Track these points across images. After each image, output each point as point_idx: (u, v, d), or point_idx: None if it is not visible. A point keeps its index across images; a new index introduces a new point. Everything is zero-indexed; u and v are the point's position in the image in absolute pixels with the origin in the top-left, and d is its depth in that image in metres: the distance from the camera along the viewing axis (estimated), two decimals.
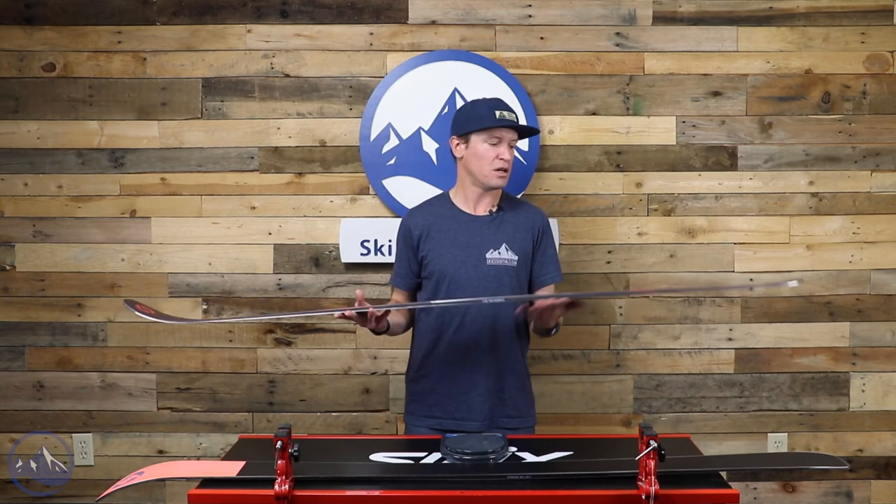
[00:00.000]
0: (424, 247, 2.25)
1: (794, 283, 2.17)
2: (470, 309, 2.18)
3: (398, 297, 2.31)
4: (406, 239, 2.28)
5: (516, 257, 2.22)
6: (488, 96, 2.31)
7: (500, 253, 2.21)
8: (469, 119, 2.20)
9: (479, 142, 2.18)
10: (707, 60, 2.78)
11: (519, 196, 2.67)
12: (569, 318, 2.36)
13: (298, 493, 1.59)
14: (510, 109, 2.21)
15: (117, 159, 2.79)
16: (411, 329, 2.33)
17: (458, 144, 2.23)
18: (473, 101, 2.28)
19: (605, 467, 1.74)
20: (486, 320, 2.19)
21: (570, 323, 2.77)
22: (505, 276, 2.20)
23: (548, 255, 2.29)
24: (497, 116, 2.17)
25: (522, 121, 2.69)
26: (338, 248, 2.78)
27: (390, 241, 2.71)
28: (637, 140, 2.79)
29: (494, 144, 2.18)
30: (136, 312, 2.04)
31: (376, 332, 2.13)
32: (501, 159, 2.17)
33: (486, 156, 2.18)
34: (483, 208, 2.26)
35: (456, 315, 2.18)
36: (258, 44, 2.77)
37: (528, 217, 2.29)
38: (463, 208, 2.27)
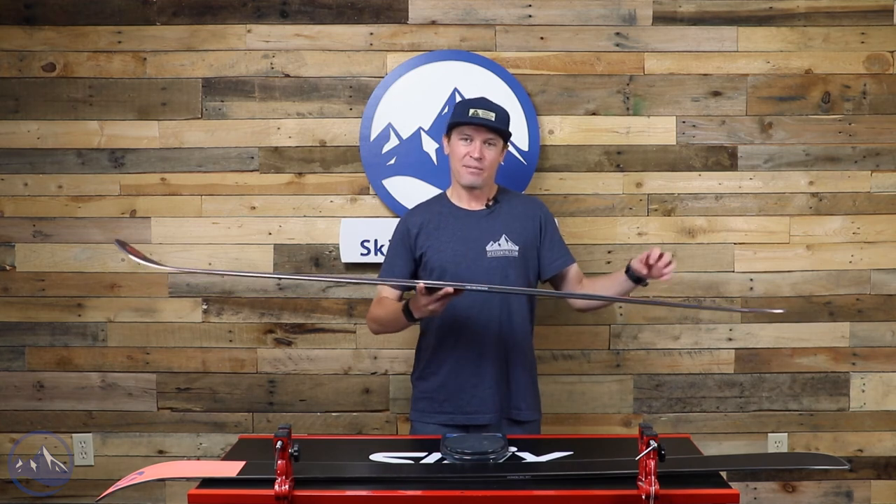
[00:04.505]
0: (423, 244, 2.25)
1: (779, 311, 2.31)
2: (477, 303, 2.18)
3: (388, 295, 2.29)
4: (403, 238, 2.29)
5: (517, 247, 2.23)
6: (485, 95, 2.34)
7: (500, 244, 2.22)
8: (451, 116, 2.27)
9: (455, 139, 2.23)
10: (707, 60, 2.78)
11: None
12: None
13: (298, 493, 1.59)
14: (493, 109, 2.21)
15: (117, 159, 2.79)
16: (418, 327, 2.32)
17: (446, 143, 2.29)
18: (461, 100, 2.32)
19: (605, 467, 1.74)
20: (494, 313, 2.21)
21: (571, 323, 2.78)
22: (508, 268, 2.21)
23: (556, 240, 2.31)
24: (470, 114, 2.19)
25: (521, 122, 2.70)
26: (338, 248, 2.78)
27: (390, 240, 2.70)
28: (637, 140, 2.79)
29: (466, 141, 2.20)
30: (129, 255, 1.98)
31: (425, 315, 2.04)
32: (470, 156, 2.19)
33: (458, 152, 2.22)
34: (479, 203, 2.27)
35: (463, 309, 2.18)
36: (258, 44, 2.77)
37: (526, 207, 2.31)
38: (459, 204, 2.28)
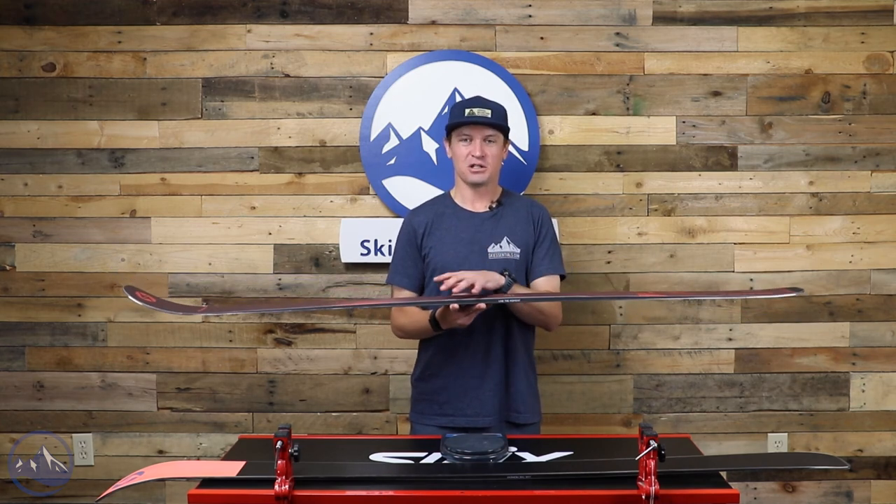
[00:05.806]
0: (427, 244, 2.26)
1: (792, 293, 2.22)
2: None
3: (401, 295, 2.30)
4: (411, 239, 2.29)
5: (518, 250, 2.23)
6: (484, 95, 2.35)
7: (501, 246, 2.22)
8: (449, 119, 2.29)
9: (455, 141, 2.25)
10: (707, 60, 2.78)
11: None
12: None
13: (298, 493, 1.59)
14: (488, 106, 2.22)
15: (117, 159, 2.79)
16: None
17: (447, 146, 2.30)
18: (456, 103, 2.33)
19: (605, 467, 1.74)
20: (496, 315, 2.20)
21: (571, 323, 2.77)
22: (509, 270, 2.20)
23: (545, 247, 2.29)
24: (466, 114, 2.21)
25: (521, 122, 2.70)
26: (338, 248, 2.77)
27: (390, 241, 2.70)
28: (637, 140, 2.79)
29: (466, 142, 2.22)
30: (133, 299, 1.87)
31: (454, 327, 2.07)
32: (473, 156, 2.20)
33: (460, 154, 2.24)
34: (483, 205, 2.28)
35: None
36: (258, 44, 2.77)
37: (527, 210, 2.32)
38: (463, 206, 2.29)
